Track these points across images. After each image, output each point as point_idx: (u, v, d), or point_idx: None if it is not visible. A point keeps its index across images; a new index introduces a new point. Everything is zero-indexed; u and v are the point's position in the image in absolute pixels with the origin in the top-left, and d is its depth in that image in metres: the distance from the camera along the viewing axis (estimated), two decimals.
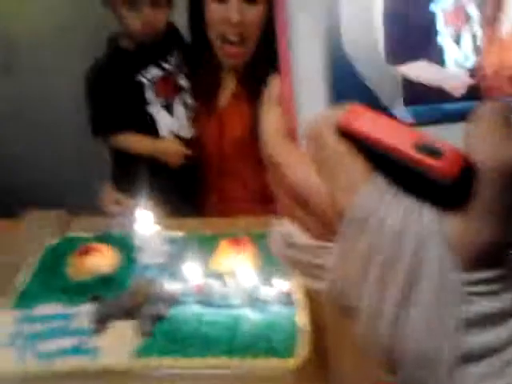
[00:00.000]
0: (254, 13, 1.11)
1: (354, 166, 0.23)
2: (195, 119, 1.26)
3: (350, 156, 0.23)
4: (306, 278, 0.26)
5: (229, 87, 1.25)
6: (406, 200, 0.22)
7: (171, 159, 1.21)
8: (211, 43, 1.17)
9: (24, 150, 1.74)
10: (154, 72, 1.20)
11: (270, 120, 0.29)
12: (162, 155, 1.21)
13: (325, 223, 0.24)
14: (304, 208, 0.25)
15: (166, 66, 1.22)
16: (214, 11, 1.12)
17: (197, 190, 1.26)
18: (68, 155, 1.32)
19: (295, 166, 0.25)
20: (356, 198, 0.22)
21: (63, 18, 1.57)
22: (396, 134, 0.23)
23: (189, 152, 1.22)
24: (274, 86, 0.29)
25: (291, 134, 0.26)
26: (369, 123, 0.23)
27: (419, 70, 0.54)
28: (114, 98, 1.19)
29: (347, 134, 0.24)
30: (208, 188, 1.27)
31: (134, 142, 1.23)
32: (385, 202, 0.22)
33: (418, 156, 0.21)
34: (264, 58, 1.19)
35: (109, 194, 1.27)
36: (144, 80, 1.19)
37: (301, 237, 0.26)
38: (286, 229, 0.27)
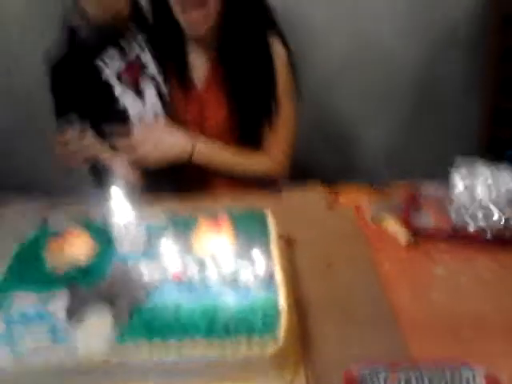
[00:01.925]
0: None
1: None
2: (172, 103, 1.22)
3: None
4: None
5: (202, 68, 1.22)
6: None
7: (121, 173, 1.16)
8: (173, 14, 1.12)
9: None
10: (116, 57, 1.15)
11: None
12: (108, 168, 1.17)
13: None
14: None
15: (131, 51, 1.17)
16: None
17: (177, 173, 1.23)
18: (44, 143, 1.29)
19: None
20: None
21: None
22: None
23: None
24: None
25: None
26: None
27: None
28: (78, 89, 1.12)
29: None
30: (188, 172, 1.24)
31: (90, 146, 1.16)
32: None
33: None
34: (233, 34, 1.16)
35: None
36: (106, 68, 1.13)
37: None
38: None
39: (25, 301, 0.76)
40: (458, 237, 0.97)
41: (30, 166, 1.48)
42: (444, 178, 1.01)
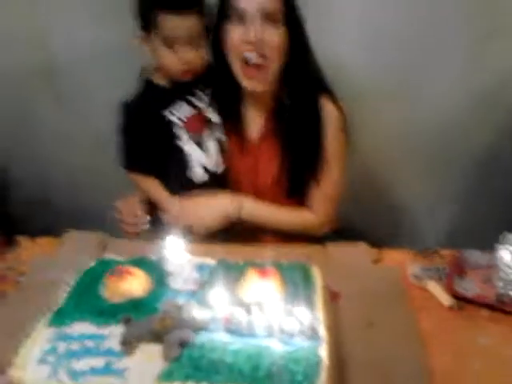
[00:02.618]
0: (274, 33, 1.14)
1: None
2: (228, 154, 1.29)
3: None
4: None
5: (258, 124, 1.29)
6: None
7: (169, 218, 1.24)
8: (232, 69, 1.18)
9: (67, 171, 1.84)
10: (184, 109, 1.21)
11: None
12: (164, 212, 1.25)
13: None
14: None
15: (198, 103, 1.23)
16: (233, 34, 1.15)
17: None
18: (109, 180, 1.38)
19: None
20: None
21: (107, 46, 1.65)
22: None
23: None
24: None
25: None
26: None
27: None
28: (145, 135, 1.19)
29: None
30: (237, 224, 1.27)
31: (150, 187, 1.26)
32: None
33: None
34: (288, 94, 1.22)
35: (130, 205, 1.29)
36: (174, 119, 1.20)
37: None
38: None
39: (84, 329, 0.81)
40: (502, 307, 0.97)
41: (94, 205, 1.57)
42: (491, 247, 1.02)
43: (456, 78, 1.66)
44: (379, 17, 1.58)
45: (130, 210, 1.28)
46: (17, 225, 1.34)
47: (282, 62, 1.19)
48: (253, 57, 1.14)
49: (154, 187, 1.25)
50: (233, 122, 1.28)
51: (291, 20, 1.16)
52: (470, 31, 1.59)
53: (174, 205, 1.23)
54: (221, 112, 1.27)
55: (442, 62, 1.63)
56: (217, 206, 1.23)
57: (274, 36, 1.14)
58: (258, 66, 1.16)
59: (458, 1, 1.55)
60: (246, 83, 1.19)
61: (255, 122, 1.29)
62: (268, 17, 1.13)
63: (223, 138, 1.28)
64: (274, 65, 1.17)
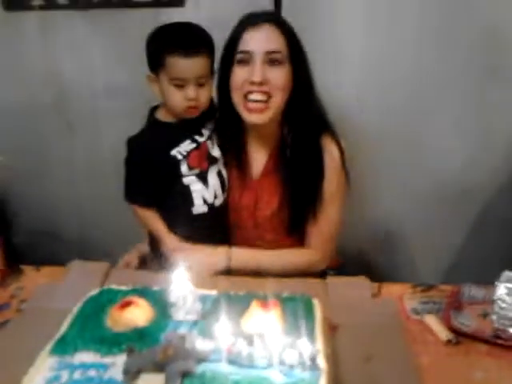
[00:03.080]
0: (279, 73, 1.18)
1: None
2: (230, 189, 1.31)
3: None
4: None
5: (260, 160, 1.32)
6: None
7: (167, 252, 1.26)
8: (235, 106, 1.22)
9: (74, 202, 1.87)
10: (187, 144, 1.24)
11: None
12: (163, 246, 1.27)
13: None
14: None
15: (200, 139, 1.26)
16: (238, 74, 1.19)
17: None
18: (116, 211, 1.41)
19: None
20: None
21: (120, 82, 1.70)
22: None
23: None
24: None
25: None
26: None
27: None
28: (148, 169, 1.21)
29: None
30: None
31: (151, 220, 1.27)
32: None
33: None
34: (291, 130, 1.26)
35: (128, 257, 1.37)
36: (178, 154, 1.22)
37: None
38: None
39: (87, 358, 0.83)
40: (499, 342, 0.98)
41: (100, 235, 1.59)
42: (489, 282, 1.04)
43: (460, 122, 1.69)
44: (384, 57, 1.62)
45: (128, 261, 1.36)
46: (21, 253, 1.35)
47: (286, 99, 1.22)
48: (256, 96, 1.19)
49: (154, 220, 1.27)
50: (236, 158, 1.31)
51: (296, 60, 1.20)
52: (477, 74, 1.62)
53: (170, 242, 1.25)
54: (224, 148, 1.30)
55: (446, 106, 1.67)
56: (206, 262, 1.22)
57: (279, 76, 1.18)
58: (260, 103, 1.19)
59: (468, 44, 1.59)
60: (247, 116, 1.22)
61: (258, 159, 1.32)
62: (273, 58, 1.17)
63: (225, 172, 1.31)
64: (277, 102, 1.21)
